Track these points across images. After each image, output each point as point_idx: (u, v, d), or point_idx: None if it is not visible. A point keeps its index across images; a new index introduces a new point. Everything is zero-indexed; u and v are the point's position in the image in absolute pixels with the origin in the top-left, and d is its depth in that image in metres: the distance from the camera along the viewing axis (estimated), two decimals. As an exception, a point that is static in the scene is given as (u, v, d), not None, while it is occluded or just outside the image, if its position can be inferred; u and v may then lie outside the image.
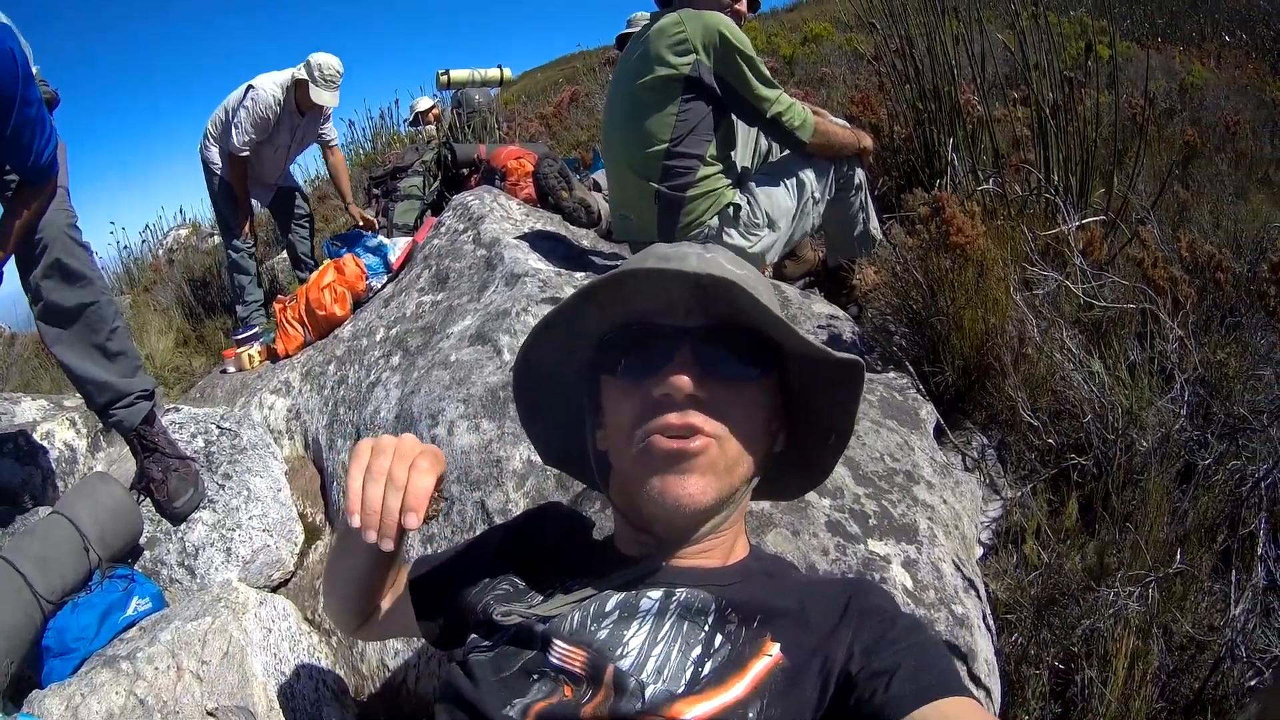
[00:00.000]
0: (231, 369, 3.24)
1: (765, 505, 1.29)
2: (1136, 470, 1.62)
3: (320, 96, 3.87)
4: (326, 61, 3.82)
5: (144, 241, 7.67)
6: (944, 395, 1.89)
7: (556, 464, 1.00)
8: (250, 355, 3.22)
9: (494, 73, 5.16)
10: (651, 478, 0.76)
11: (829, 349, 0.77)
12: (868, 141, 2.37)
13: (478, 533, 1.28)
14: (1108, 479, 1.63)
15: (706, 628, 0.74)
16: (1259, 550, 1.48)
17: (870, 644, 0.69)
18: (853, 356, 0.78)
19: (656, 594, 0.77)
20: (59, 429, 2.43)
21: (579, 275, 2.35)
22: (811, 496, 1.29)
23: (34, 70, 2.12)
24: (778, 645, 0.71)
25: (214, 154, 4.03)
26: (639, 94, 2.20)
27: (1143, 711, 1.29)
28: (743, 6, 2.28)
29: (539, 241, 2.64)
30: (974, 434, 1.87)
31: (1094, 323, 1.93)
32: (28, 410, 2.49)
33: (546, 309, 2.18)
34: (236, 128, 3.82)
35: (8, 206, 1.81)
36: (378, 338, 2.65)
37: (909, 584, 1.19)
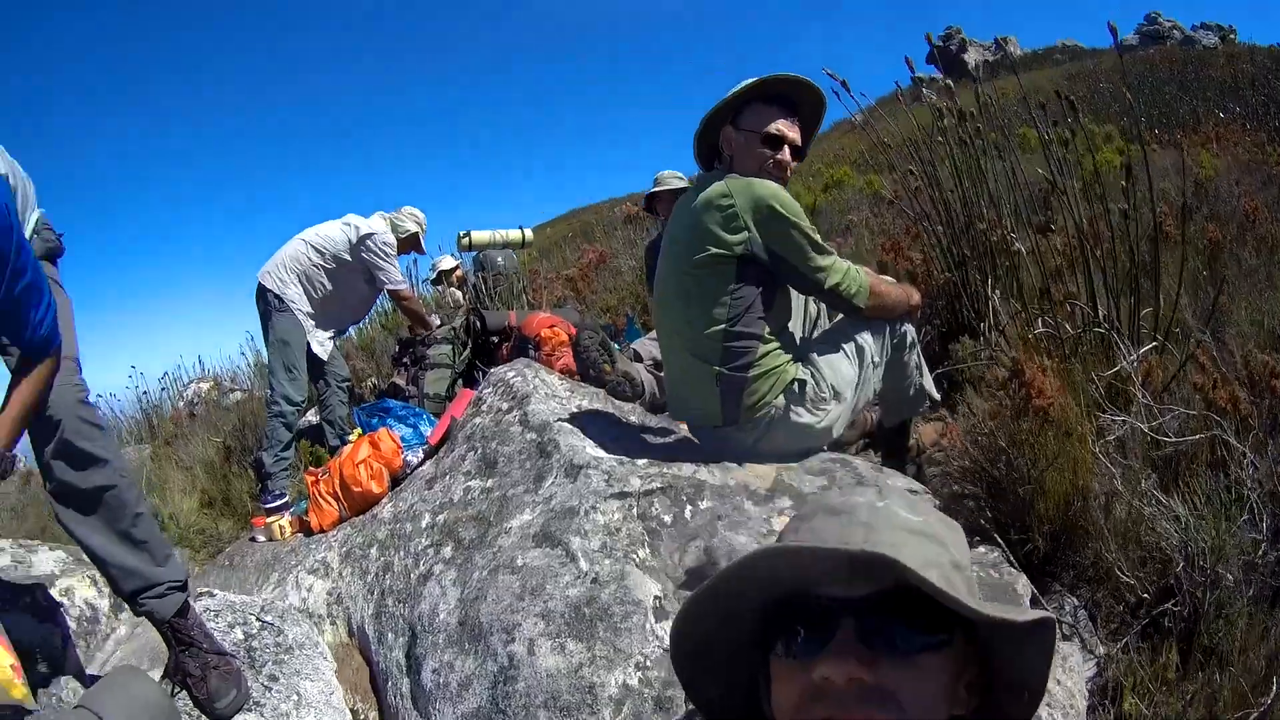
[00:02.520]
0: (261, 538, 3.14)
1: None
2: (1225, 603, 1.58)
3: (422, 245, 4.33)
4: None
5: (163, 389, 7.58)
6: (1031, 561, 1.82)
7: None
8: (281, 525, 3.13)
9: (515, 234, 5.28)
10: None
11: (1013, 615, 0.69)
12: (917, 298, 2.32)
13: None
14: (1201, 621, 1.58)
15: None
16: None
17: None
18: (1042, 613, 0.71)
19: None
20: (79, 586, 2.27)
21: (640, 462, 2.27)
22: None
23: (38, 214, 1.93)
24: None
25: (293, 292, 3.82)
26: (692, 273, 2.13)
27: None
28: (785, 156, 2.17)
29: (590, 423, 2.57)
30: (1064, 597, 1.79)
31: (1165, 459, 1.89)
32: (45, 562, 2.33)
33: (615, 504, 2.10)
34: (391, 266, 3.96)
35: (9, 386, 1.62)
36: (424, 524, 2.56)
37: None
